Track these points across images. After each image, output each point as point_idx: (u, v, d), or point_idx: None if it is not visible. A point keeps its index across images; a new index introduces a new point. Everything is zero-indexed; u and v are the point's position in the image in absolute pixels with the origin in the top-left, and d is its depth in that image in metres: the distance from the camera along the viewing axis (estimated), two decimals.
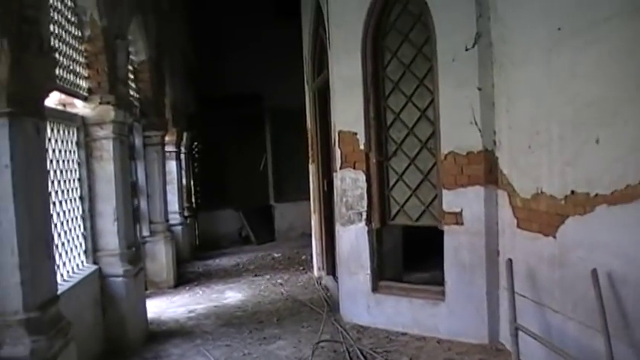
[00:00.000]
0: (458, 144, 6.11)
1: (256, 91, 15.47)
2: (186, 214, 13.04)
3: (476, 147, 6.02)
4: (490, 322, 6.07)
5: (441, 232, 6.36)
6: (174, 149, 12.15)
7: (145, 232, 9.53)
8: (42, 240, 4.10)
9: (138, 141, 9.50)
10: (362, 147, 6.80)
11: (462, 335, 6.19)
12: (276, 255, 12.52)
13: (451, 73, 6.12)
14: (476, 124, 5.99)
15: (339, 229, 7.24)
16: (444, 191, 6.22)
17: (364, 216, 6.84)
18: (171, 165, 11.87)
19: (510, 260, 5.28)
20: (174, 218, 11.75)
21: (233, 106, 15.28)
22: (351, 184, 6.93)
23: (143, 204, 9.52)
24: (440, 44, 6.18)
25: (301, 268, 10.85)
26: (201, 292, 9.31)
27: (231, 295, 9.04)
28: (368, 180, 6.80)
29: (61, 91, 5.62)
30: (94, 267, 6.31)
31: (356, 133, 6.84)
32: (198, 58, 15.16)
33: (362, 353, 5.96)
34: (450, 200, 6.19)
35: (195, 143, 15.05)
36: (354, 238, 6.97)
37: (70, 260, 5.89)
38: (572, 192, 4.63)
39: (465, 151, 6.07)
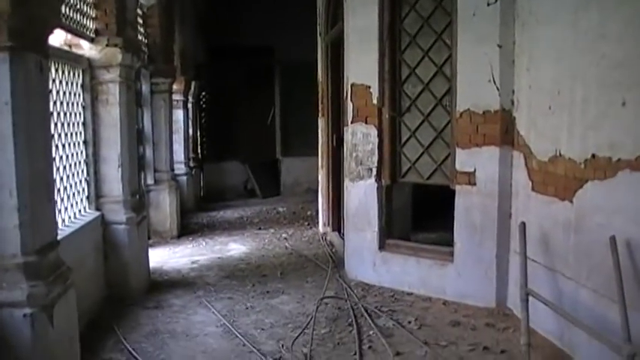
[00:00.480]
0: (474, 102, 5.91)
1: (268, 44, 15.20)
2: (191, 164, 12.90)
3: (493, 106, 5.82)
4: (498, 285, 5.95)
5: (452, 192, 6.21)
6: (182, 98, 11.96)
7: (150, 181, 9.40)
8: (42, 182, 3.94)
9: (145, 88, 9.30)
10: (375, 101, 6.60)
11: (469, 298, 6.08)
12: (281, 209, 12.41)
13: (471, 29, 5.89)
14: (494, 82, 5.78)
15: (347, 184, 7.09)
16: (458, 150, 6.05)
17: (374, 172, 6.68)
18: (178, 114, 11.69)
19: (524, 223, 5.14)
20: (180, 168, 11.61)
21: (243, 57, 15.08)
22: (362, 138, 6.76)
23: (148, 152, 9.37)
24: None
25: (306, 223, 10.74)
26: (204, 244, 9.22)
27: (235, 247, 8.94)
28: (380, 135, 6.62)
29: (67, 30, 5.41)
30: (97, 213, 6.18)
31: (369, 87, 6.63)
32: (209, 7, 14.82)
33: (366, 311, 5.85)
34: (464, 160, 6.02)
35: (203, 93, 14.82)
36: (362, 194, 6.82)
37: (71, 205, 5.75)
38: (593, 156, 4.45)
39: (482, 109, 5.87)
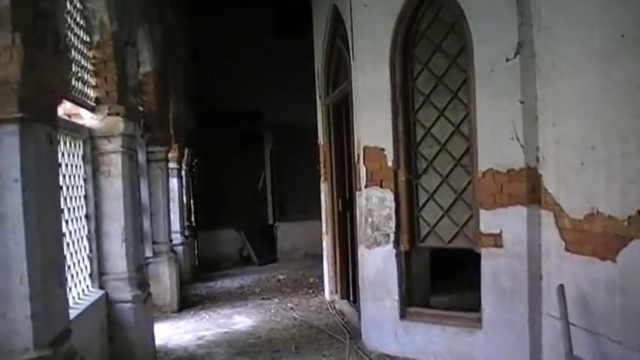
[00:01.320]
0: (497, 161, 5.67)
1: (256, 108, 15.09)
2: (186, 233, 12.52)
3: (517, 164, 5.58)
4: (532, 350, 5.60)
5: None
6: (177, 166, 11.68)
7: (148, 253, 8.99)
8: (55, 265, 3.59)
9: (141, 156, 8.99)
10: (390, 164, 6.35)
11: None
12: (281, 277, 12.00)
13: (490, 85, 5.70)
14: (517, 139, 5.56)
15: (363, 251, 6.76)
16: (482, 211, 5.77)
17: (392, 238, 6.38)
18: (173, 182, 11.39)
19: (562, 286, 4.84)
20: (176, 238, 11.24)
21: (232, 122, 14.89)
22: (377, 203, 6.47)
23: (146, 223, 8.99)
24: (477, 54, 5.76)
25: (311, 291, 10.34)
26: (207, 317, 8.78)
27: (241, 320, 8.51)
28: (396, 199, 6.35)
29: (67, 99, 5.14)
30: (101, 292, 5.78)
31: (383, 149, 6.39)
32: (199, 73, 14.70)
33: None
34: (489, 221, 5.74)
35: (195, 160, 14.52)
36: (380, 261, 6.49)
37: (75, 285, 5.36)
38: (639, 212, 4.18)
39: (506, 168, 5.63)
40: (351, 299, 8.77)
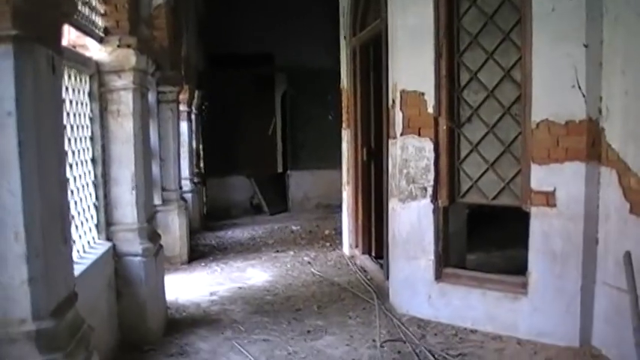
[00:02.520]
0: (554, 111, 5.04)
1: (268, 51, 14.44)
2: (195, 180, 11.95)
3: (578, 115, 4.95)
4: (583, 322, 5.07)
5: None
6: (187, 109, 11.03)
7: (157, 201, 8.42)
8: (57, 218, 3.01)
9: (151, 97, 8.34)
10: (430, 110, 5.72)
11: (547, 336, 5.19)
12: (294, 228, 11.48)
13: (549, 26, 5.02)
14: (579, 87, 4.91)
15: (395, 205, 6.19)
16: (534, 166, 5.17)
17: (430, 191, 5.79)
18: (183, 126, 10.76)
19: (629, 253, 4.25)
20: (185, 185, 10.68)
21: (243, 65, 14.19)
22: (414, 153, 5.86)
23: (155, 169, 8.39)
24: None
25: (327, 244, 9.80)
26: (219, 270, 8.26)
27: (255, 274, 8.00)
28: (436, 149, 5.73)
29: (72, 25, 4.49)
30: (108, 244, 5.22)
31: (423, 94, 5.75)
32: (208, 13, 13.91)
33: (433, 356, 4.95)
34: (541, 177, 5.14)
35: (206, 104, 13.83)
36: (415, 217, 5.92)
37: (80, 237, 4.79)
38: None
39: (564, 119, 5.00)
40: (373, 255, 8.25)
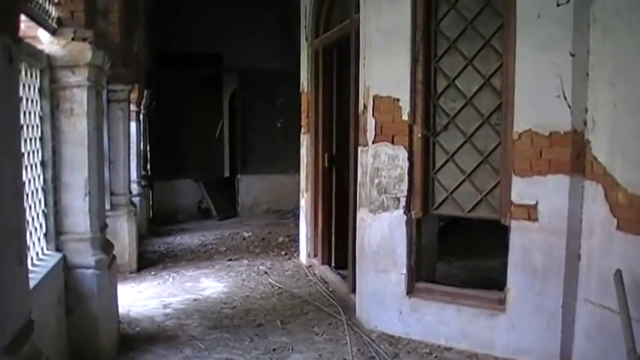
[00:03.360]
0: (538, 121, 4.85)
1: (217, 51, 13.98)
2: (143, 183, 11.43)
3: (562, 126, 4.76)
4: (563, 339, 4.88)
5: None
6: (136, 108, 10.53)
7: (106, 206, 7.91)
8: (12, 235, 2.61)
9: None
10: (405, 117, 5.45)
11: (526, 354, 5.00)
12: (246, 234, 11.06)
13: (534, 33, 4.83)
14: (565, 98, 4.73)
15: (365, 215, 5.90)
16: (515, 178, 4.96)
17: (403, 202, 5.52)
18: (133, 127, 10.21)
19: (619, 272, 4.06)
20: (134, 188, 10.15)
21: (191, 65, 13.68)
22: (387, 162, 5.59)
23: (105, 172, 7.92)
24: None
25: (283, 252, 9.43)
26: (171, 280, 7.82)
27: (210, 284, 7.59)
28: (410, 158, 5.47)
29: (23, 12, 4.05)
30: (58, 255, 4.77)
31: (398, 100, 5.49)
32: (156, 10, 13.36)
33: None
34: (522, 190, 4.94)
35: (153, 103, 13.28)
36: (386, 229, 5.64)
37: (27, 249, 4.34)
38: None
39: (548, 130, 4.81)
40: (333, 265, 7.95)
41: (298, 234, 9.30)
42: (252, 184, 13.86)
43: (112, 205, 8.01)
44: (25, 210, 3.16)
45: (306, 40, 8.38)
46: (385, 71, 5.61)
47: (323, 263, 8.04)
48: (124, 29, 8.00)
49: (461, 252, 8.54)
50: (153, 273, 8.16)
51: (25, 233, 3.10)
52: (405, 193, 5.50)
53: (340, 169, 7.88)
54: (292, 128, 12.90)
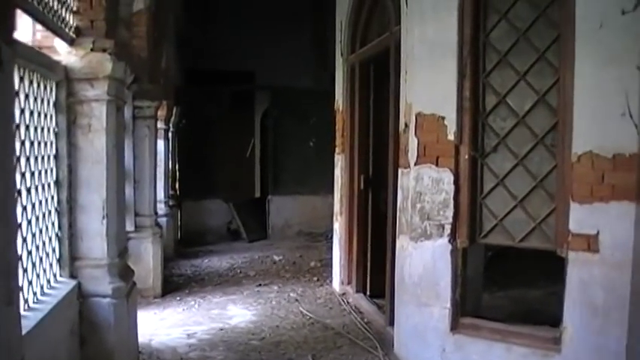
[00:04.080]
0: (600, 142, 4.34)
1: (249, 69, 13.78)
2: (170, 203, 11.10)
3: (628, 148, 4.25)
4: None
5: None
6: (164, 126, 10.24)
7: (129, 227, 7.58)
8: (1, 274, 2.20)
9: (126, 112, 7.54)
10: (451, 137, 5.00)
11: None
12: (276, 258, 10.63)
13: (596, 45, 4.33)
14: (630, 116, 4.22)
15: (405, 243, 5.44)
16: (573, 205, 4.45)
17: (447, 230, 5.05)
18: (160, 144, 9.94)
19: None
20: (160, 208, 9.87)
21: (222, 83, 13.41)
22: (430, 185, 5.13)
23: (128, 191, 7.57)
24: (580, 5, 4.38)
25: (315, 278, 8.98)
26: (197, 306, 7.42)
27: (237, 312, 7.18)
28: (456, 182, 5.00)
29: (36, 20, 3.72)
30: (72, 282, 4.41)
31: (443, 118, 5.03)
32: (187, 25, 13.11)
33: None
34: (582, 218, 4.43)
35: (183, 121, 12.97)
36: (429, 258, 5.17)
37: (38, 276, 3.97)
38: None
39: (611, 152, 4.30)
40: (368, 294, 7.48)
41: (331, 258, 8.88)
42: (283, 205, 13.46)
43: (136, 226, 7.66)
44: (17, 244, 2.75)
45: (342, 55, 7.99)
46: (429, 87, 5.17)
47: (357, 291, 7.58)
48: (151, 43, 7.70)
49: (502, 281, 8.02)
50: (178, 298, 7.77)
51: (17, 268, 2.70)
52: (450, 219, 5.03)
53: (377, 191, 7.45)
54: (325, 148, 12.55)
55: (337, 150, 8.27)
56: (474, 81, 4.94)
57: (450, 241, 5.04)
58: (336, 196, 8.32)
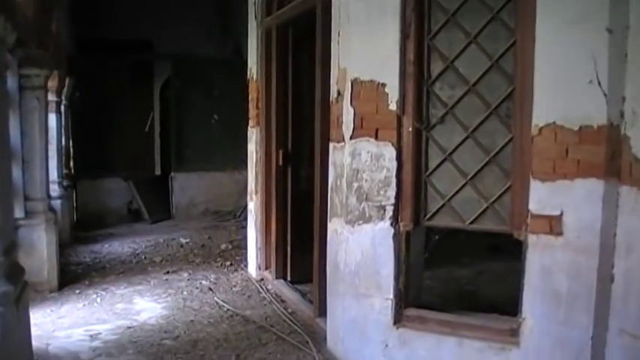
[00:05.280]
0: (564, 113, 3.87)
1: (146, 37, 12.74)
2: (65, 183, 10.07)
3: (596, 119, 3.80)
4: None
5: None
6: (56, 98, 9.19)
7: (19, 213, 6.65)
8: None
9: (11, 82, 6.58)
10: (392, 106, 4.42)
11: None
12: (183, 240, 9.84)
13: (559, 5, 3.86)
14: (599, 84, 3.78)
15: (340, 227, 4.86)
16: (534, 183, 3.99)
17: (389, 212, 4.49)
18: (52, 119, 8.92)
19: None
20: (54, 190, 8.90)
21: (118, 52, 12.36)
22: (369, 162, 4.55)
23: (16, 173, 6.62)
24: None
25: (228, 263, 8.25)
26: (99, 300, 6.60)
27: (145, 305, 6.43)
28: (399, 158, 4.45)
29: None
30: None
31: (383, 85, 4.45)
32: None
33: None
34: (543, 198, 3.97)
35: (76, 94, 11.83)
36: (368, 244, 4.60)
37: None
38: None
39: (577, 124, 3.84)
40: (289, 279, 6.91)
41: (242, 239, 8.29)
42: (187, 182, 12.59)
43: (26, 212, 6.72)
44: None
45: (255, 18, 7.26)
46: (367, 50, 4.56)
47: (277, 277, 6.97)
48: (40, 3, 6.71)
49: (427, 259, 7.61)
50: (77, 291, 6.91)
51: None
52: (393, 200, 4.47)
53: (296, 168, 6.85)
54: (231, 120, 12.00)
55: (251, 123, 7.57)
56: (418, 43, 4.37)
57: (392, 224, 4.50)
58: (250, 173, 7.64)
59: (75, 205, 11.47)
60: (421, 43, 4.38)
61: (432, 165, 4.45)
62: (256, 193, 7.43)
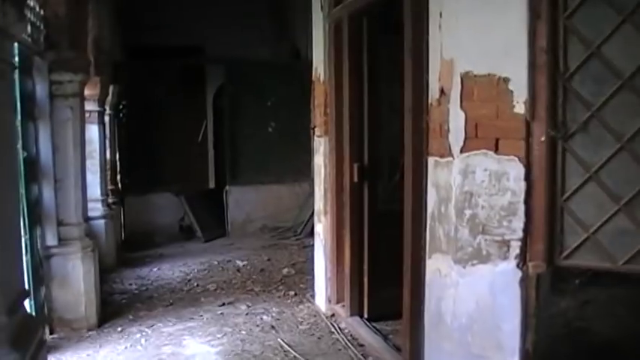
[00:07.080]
0: None
1: (198, 42, 12.09)
2: (110, 200, 9.22)
3: None
4: None
5: None
6: (97, 108, 8.31)
7: (51, 240, 5.76)
8: None
9: (40, 89, 5.70)
10: (519, 109, 3.32)
11: None
12: (240, 263, 8.84)
13: None
14: None
15: (446, 268, 3.77)
16: None
17: (515, 248, 3.38)
18: (92, 131, 8.06)
19: None
20: (95, 209, 8.03)
21: (168, 59, 11.56)
22: (487, 182, 3.45)
23: (47, 194, 5.74)
24: None
25: (291, 292, 7.19)
26: (143, 341, 5.65)
27: (197, 349, 5.44)
28: (527, 177, 3.33)
29: None
30: None
31: (506, 80, 3.35)
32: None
33: None
34: None
35: (123, 103, 11.00)
36: (486, 291, 3.51)
37: None
38: None
39: None
40: (365, 317, 5.84)
41: (305, 262, 7.21)
42: (243, 196, 11.58)
43: (59, 239, 5.81)
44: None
45: (321, 9, 6.23)
46: (482, 35, 3.46)
47: (352, 314, 5.88)
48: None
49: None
50: (119, 329, 5.98)
51: None
52: (520, 233, 3.36)
53: (374, 185, 5.79)
54: (289, 128, 11.15)
55: (317, 131, 6.54)
56: (552, 25, 3.26)
57: (518, 264, 3.39)
58: (318, 190, 6.60)
59: (122, 223, 10.60)
60: (556, 23, 3.26)
61: (570, 186, 3.32)
62: (325, 213, 6.38)
